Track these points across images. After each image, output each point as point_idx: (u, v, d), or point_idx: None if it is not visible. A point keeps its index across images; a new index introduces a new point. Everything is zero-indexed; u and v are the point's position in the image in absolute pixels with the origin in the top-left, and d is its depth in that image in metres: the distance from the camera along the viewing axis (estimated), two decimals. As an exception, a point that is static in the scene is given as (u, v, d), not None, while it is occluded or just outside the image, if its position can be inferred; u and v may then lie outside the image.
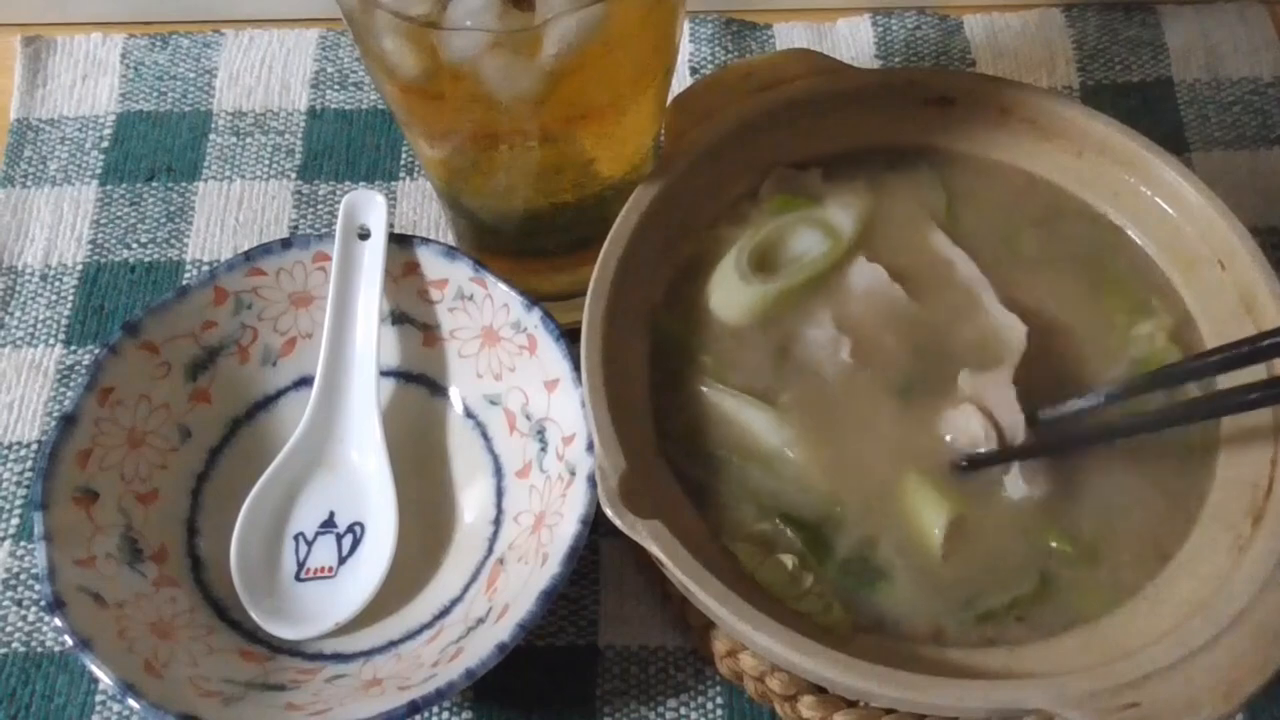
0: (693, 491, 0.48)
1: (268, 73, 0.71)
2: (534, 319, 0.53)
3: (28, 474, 0.58)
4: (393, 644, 0.51)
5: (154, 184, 0.67)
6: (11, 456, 0.59)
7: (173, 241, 0.65)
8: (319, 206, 0.66)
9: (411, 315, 0.56)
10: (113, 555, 0.50)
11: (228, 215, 0.66)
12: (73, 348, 0.62)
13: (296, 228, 0.66)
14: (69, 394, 0.60)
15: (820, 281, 0.53)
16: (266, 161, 0.68)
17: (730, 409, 0.50)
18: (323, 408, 0.54)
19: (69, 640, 0.46)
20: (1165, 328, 0.52)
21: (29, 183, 0.67)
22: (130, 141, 0.69)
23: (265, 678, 0.49)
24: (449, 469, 0.55)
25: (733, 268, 0.53)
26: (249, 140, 0.68)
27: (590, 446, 0.49)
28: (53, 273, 0.64)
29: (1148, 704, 0.42)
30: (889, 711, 0.48)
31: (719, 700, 0.52)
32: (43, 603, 0.51)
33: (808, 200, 0.55)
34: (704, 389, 0.51)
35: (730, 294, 0.52)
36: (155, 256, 0.65)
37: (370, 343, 0.55)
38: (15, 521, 0.57)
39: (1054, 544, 0.47)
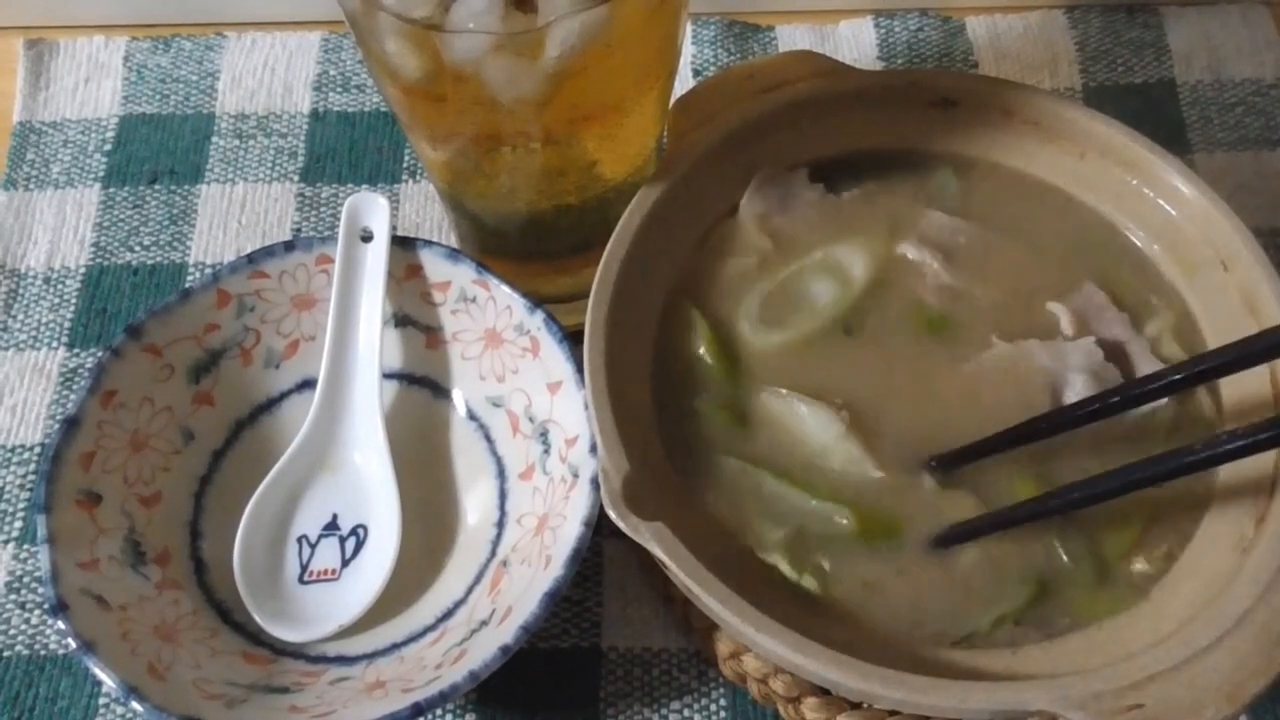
0: (696, 493, 0.48)
1: (270, 75, 0.71)
2: (537, 321, 0.53)
3: (31, 477, 0.58)
4: (396, 646, 0.51)
5: (156, 187, 0.67)
6: (14, 459, 0.59)
7: (175, 244, 0.65)
8: (321, 209, 0.66)
9: (414, 318, 0.56)
10: (116, 558, 0.50)
11: (230, 218, 0.66)
12: (75, 350, 0.62)
13: (299, 230, 0.66)
14: (72, 397, 0.60)
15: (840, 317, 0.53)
16: (269, 164, 0.68)
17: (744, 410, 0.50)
18: (326, 410, 0.54)
19: (72, 643, 0.46)
20: (1169, 326, 0.52)
21: (32, 185, 0.67)
22: (133, 144, 0.69)
23: (268, 680, 0.49)
24: (452, 471, 0.55)
25: (744, 320, 0.52)
26: (251, 143, 0.69)
27: (593, 448, 0.49)
28: (55, 275, 0.64)
29: (1151, 705, 0.42)
30: (892, 713, 0.48)
31: (722, 702, 0.52)
32: (46, 605, 0.51)
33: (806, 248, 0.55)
34: (712, 394, 0.51)
35: (744, 345, 0.52)
36: (158, 259, 0.65)
37: (373, 345, 0.55)
38: (18, 524, 0.57)
39: (1059, 548, 0.47)
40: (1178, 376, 0.44)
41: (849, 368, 0.51)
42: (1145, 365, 0.50)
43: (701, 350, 0.52)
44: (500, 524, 0.53)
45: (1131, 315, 0.52)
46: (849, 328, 0.52)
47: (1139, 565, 0.47)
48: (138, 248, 0.65)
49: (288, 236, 0.65)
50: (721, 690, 0.52)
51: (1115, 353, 0.51)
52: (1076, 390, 0.49)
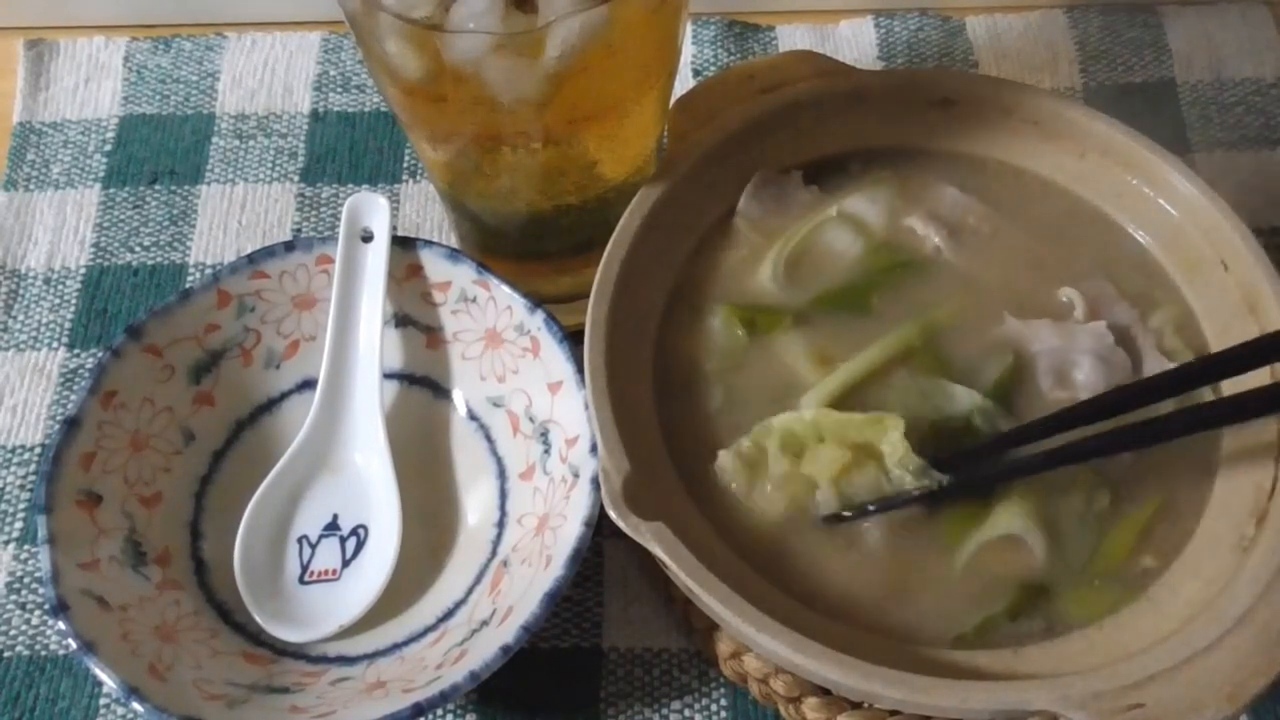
0: (697, 493, 0.48)
1: (270, 75, 0.71)
2: (537, 321, 0.53)
3: (31, 477, 0.58)
4: (396, 646, 0.51)
5: (157, 187, 0.67)
6: (15, 460, 0.59)
7: (176, 244, 0.65)
8: (322, 209, 0.66)
9: (414, 318, 0.56)
10: (116, 558, 0.50)
11: (230, 218, 0.66)
12: (76, 351, 0.62)
13: (299, 230, 0.66)
14: (72, 397, 0.60)
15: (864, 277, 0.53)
16: (269, 164, 0.68)
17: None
18: (326, 410, 0.54)
19: (73, 644, 0.46)
20: (1171, 322, 0.52)
21: (32, 186, 0.67)
22: (133, 145, 0.69)
23: (269, 680, 0.49)
24: (452, 471, 0.55)
25: (769, 276, 0.53)
26: (252, 143, 0.69)
27: (594, 448, 0.49)
28: (56, 276, 0.64)
29: (1152, 705, 0.42)
30: (893, 713, 0.48)
31: (723, 702, 0.52)
32: (46, 606, 0.51)
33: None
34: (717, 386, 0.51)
35: (766, 297, 0.53)
36: (158, 259, 0.65)
37: (373, 345, 0.55)
38: (19, 525, 0.57)
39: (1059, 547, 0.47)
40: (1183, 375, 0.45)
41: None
42: (1151, 356, 0.50)
43: (710, 350, 0.52)
44: (501, 524, 0.53)
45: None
46: (858, 297, 0.53)
47: (1139, 565, 0.47)
48: (138, 248, 0.65)
49: (288, 237, 0.65)
50: (722, 690, 0.52)
51: (1123, 339, 0.51)
52: (1084, 371, 0.49)
